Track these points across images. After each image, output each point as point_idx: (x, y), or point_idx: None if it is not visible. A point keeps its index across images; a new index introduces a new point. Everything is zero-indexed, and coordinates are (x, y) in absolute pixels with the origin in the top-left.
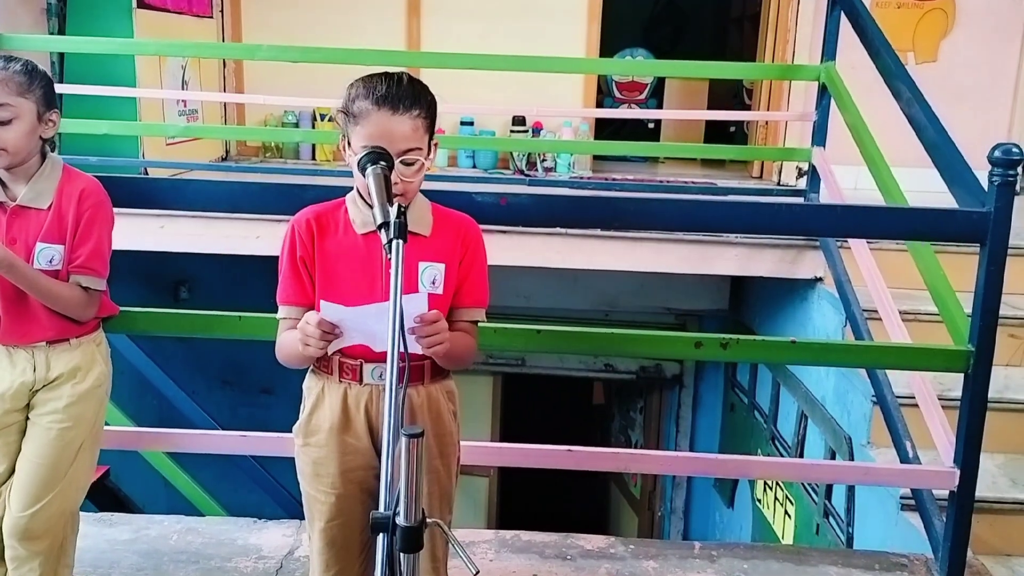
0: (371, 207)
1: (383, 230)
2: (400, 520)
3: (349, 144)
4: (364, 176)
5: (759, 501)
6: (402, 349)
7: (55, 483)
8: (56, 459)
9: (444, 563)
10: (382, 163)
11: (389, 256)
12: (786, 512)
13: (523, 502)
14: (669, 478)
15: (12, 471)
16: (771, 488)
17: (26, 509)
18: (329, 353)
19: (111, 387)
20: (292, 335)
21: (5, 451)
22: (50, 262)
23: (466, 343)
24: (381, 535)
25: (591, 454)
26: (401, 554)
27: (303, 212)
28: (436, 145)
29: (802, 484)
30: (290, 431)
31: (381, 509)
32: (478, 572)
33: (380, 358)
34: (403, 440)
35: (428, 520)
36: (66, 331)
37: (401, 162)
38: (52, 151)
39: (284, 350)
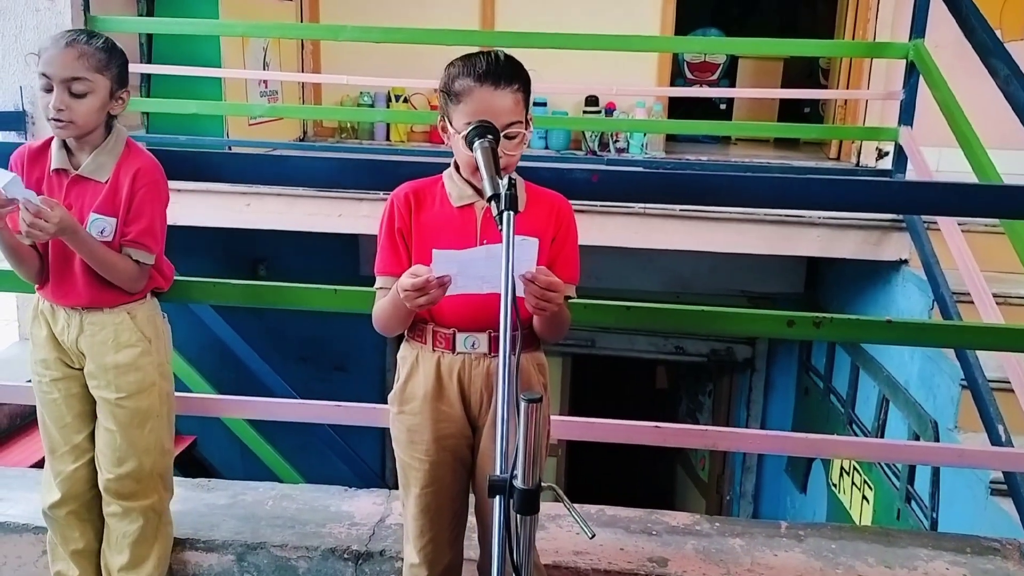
0: (478, 180)
1: (493, 202)
2: (518, 483)
3: (451, 123)
4: (472, 150)
5: (835, 486)
6: (512, 312)
7: (132, 448)
8: (125, 427)
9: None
10: (489, 137)
11: (500, 228)
12: (864, 497)
13: (589, 484)
14: (739, 462)
15: (83, 426)
16: (847, 473)
17: (112, 471)
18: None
19: (171, 355)
20: (390, 299)
21: (68, 405)
22: (101, 233)
23: (564, 314)
24: (498, 497)
25: (679, 431)
26: (518, 515)
27: (402, 187)
28: (531, 120)
29: (882, 469)
30: None
31: (497, 472)
32: (594, 535)
33: (472, 327)
34: (523, 405)
35: (544, 484)
36: (100, 300)
37: (504, 136)
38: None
39: (382, 316)
